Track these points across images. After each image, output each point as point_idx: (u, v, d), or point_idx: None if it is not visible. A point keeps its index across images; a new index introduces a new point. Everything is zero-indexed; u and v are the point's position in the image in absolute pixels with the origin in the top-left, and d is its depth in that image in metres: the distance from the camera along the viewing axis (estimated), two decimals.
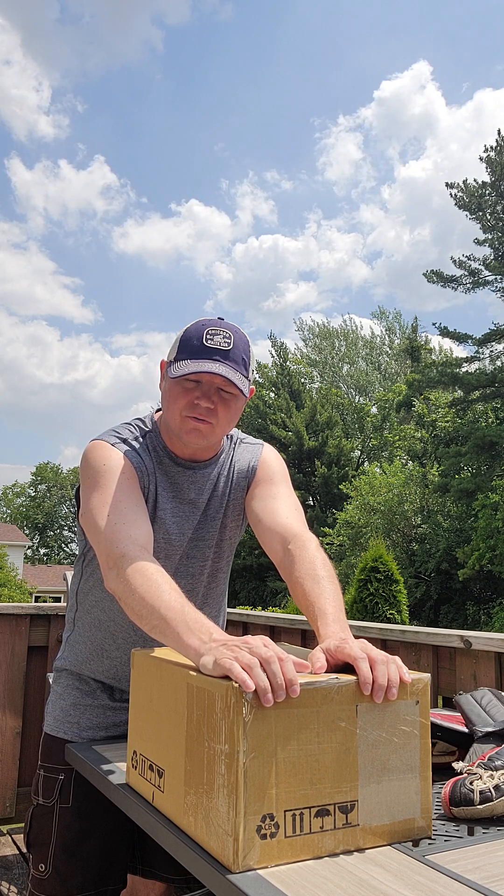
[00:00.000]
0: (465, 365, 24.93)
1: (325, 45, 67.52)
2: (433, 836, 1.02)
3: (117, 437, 1.48)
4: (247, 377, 1.41)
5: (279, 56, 69.45)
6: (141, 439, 1.50)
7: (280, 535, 1.44)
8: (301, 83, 69.73)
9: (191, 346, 1.37)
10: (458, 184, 24.93)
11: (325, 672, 1.05)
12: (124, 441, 1.47)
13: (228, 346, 1.37)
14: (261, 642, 1.00)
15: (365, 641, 1.09)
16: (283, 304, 69.55)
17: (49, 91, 75.60)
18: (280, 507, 1.50)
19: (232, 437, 1.61)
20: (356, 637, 1.11)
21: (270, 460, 1.60)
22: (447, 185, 25.16)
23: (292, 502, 1.53)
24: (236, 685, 0.91)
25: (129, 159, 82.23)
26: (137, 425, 1.53)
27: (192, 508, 1.52)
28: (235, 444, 1.61)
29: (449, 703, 2.18)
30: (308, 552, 1.37)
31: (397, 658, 1.05)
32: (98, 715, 1.55)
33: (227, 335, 1.38)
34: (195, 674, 1.02)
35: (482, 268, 25.21)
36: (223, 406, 1.41)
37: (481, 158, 24.60)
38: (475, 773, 1.13)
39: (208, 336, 1.37)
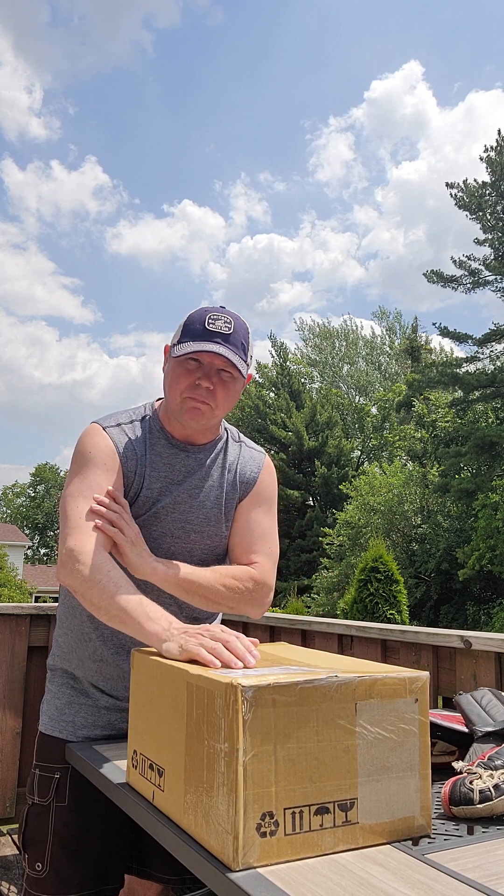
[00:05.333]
0: (465, 365, 24.92)
1: (315, 45, 67.47)
2: (433, 836, 1.02)
3: (114, 420, 1.55)
4: (245, 361, 1.47)
5: (270, 58, 69.54)
6: (139, 422, 1.56)
7: (242, 562, 1.55)
8: (292, 84, 69.79)
9: (194, 329, 1.44)
10: (458, 184, 24.93)
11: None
12: (119, 425, 1.54)
13: (229, 330, 1.44)
14: (219, 629, 1.15)
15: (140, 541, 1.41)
16: (276, 304, 69.66)
17: (41, 93, 75.77)
18: (253, 538, 1.57)
19: (230, 431, 1.64)
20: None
21: (268, 480, 1.65)
22: (447, 184, 25.16)
23: (266, 531, 1.59)
24: (235, 683, 0.91)
25: (121, 160, 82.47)
26: (138, 411, 1.59)
27: (179, 489, 1.54)
28: (237, 441, 1.64)
29: (449, 703, 2.18)
30: (235, 567, 1.52)
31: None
32: (92, 713, 1.55)
33: (229, 321, 1.45)
34: (195, 673, 1.02)
35: (482, 268, 25.20)
36: (222, 387, 1.47)
37: (481, 158, 24.60)
38: (475, 773, 1.13)
39: (210, 320, 1.44)
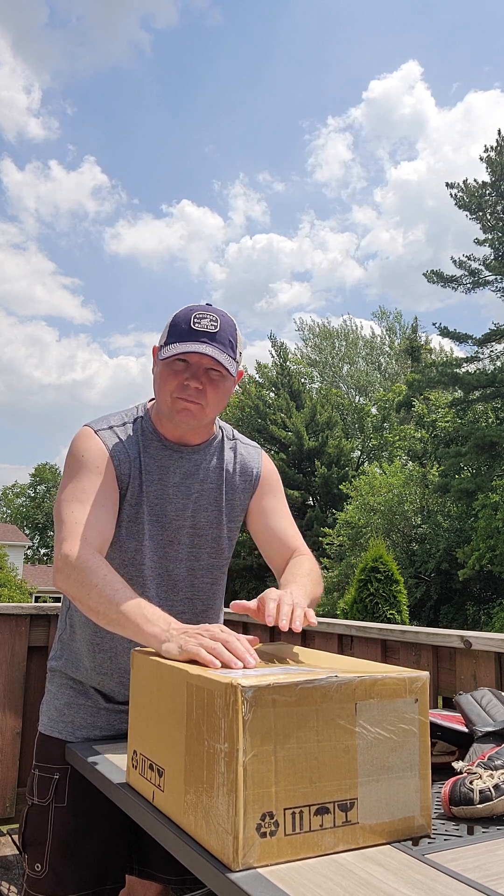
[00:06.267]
0: (465, 365, 24.92)
1: (314, 46, 67.24)
2: (433, 836, 1.02)
3: (106, 423, 1.54)
4: (234, 358, 1.46)
5: (268, 58, 69.41)
6: (131, 424, 1.55)
7: (289, 551, 1.60)
8: (291, 84, 69.64)
9: (179, 329, 1.44)
10: (458, 184, 24.92)
11: (246, 611, 1.26)
12: (111, 428, 1.53)
13: (215, 328, 1.43)
14: (218, 629, 1.14)
15: (289, 593, 1.28)
16: (275, 304, 69.61)
17: (39, 93, 75.79)
18: (289, 528, 1.65)
19: (224, 429, 1.65)
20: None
21: (272, 471, 1.68)
22: (447, 184, 25.15)
23: (291, 518, 1.68)
24: (235, 684, 0.91)
25: (119, 160, 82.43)
26: (130, 412, 1.59)
27: (176, 491, 1.55)
28: (232, 439, 1.65)
29: (449, 703, 2.18)
30: (303, 562, 1.55)
31: (309, 611, 1.27)
32: (92, 714, 1.55)
33: (214, 318, 1.44)
34: (195, 673, 1.02)
35: (482, 268, 25.20)
36: (212, 386, 1.46)
37: (481, 158, 24.60)
38: (475, 773, 1.13)
39: (195, 320, 1.43)
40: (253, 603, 1.27)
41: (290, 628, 1.21)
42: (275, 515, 1.63)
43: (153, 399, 1.59)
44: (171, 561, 1.54)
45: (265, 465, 1.66)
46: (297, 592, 1.36)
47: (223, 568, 1.63)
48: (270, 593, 1.26)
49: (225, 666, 1.07)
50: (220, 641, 1.12)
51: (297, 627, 1.18)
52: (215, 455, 1.59)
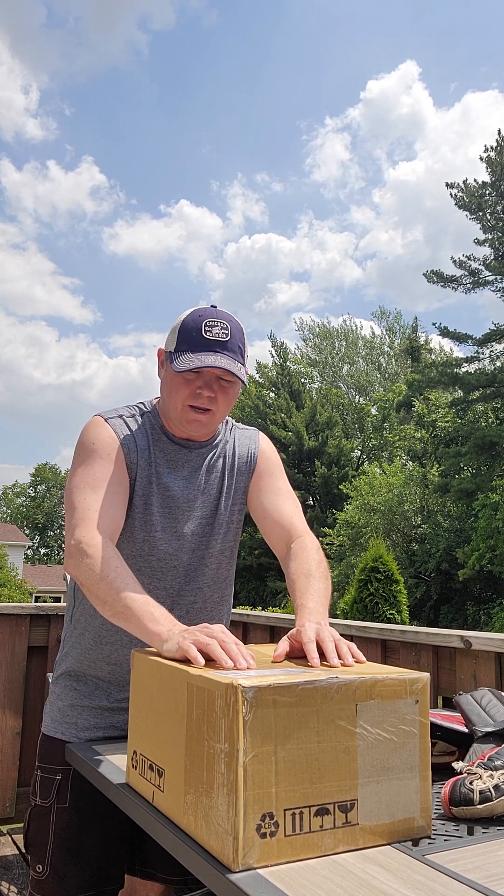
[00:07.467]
0: (465, 365, 24.93)
1: (311, 46, 67.35)
2: (433, 836, 1.02)
3: (116, 413, 1.56)
4: (243, 364, 1.48)
5: (266, 58, 69.53)
6: (140, 417, 1.57)
7: (286, 534, 1.56)
8: (289, 84, 69.79)
9: (191, 338, 1.43)
10: (458, 184, 24.93)
11: (287, 657, 1.17)
12: (121, 417, 1.55)
13: (226, 336, 1.44)
14: (218, 629, 1.14)
15: (322, 626, 1.20)
16: (274, 304, 69.74)
17: (37, 93, 75.91)
18: (284, 504, 1.61)
19: (227, 421, 1.67)
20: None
21: (270, 451, 1.69)
22: (447, 184, 25.16)
23: (293, 498, 1.65)
24: (236, 684, 0.91)
25: (117, 161, 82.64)
26: (138, 406, 1.60)
27: (186, 483, 1.56)
28: (230, 428, 1.67)
29: (449, 703, 2.18)
30: (307, 552, 1.49)
31: (352, 644, 1.17)
32: (95, 716, 1.55)
33: (225, 325, 1.45)
34: (195, 673, 1.02)
35: (482, 268, 25.21)
36: (223, 394, 1.48)
37: (481, 158, 24.61)
38: (475, 773, 1.13)
39: (207, 328, 1.43)
40: (285, 645, 1.20)
41: (344, 664, 1.13)
42: (270, 493, 1.61)
43: (158, 398, 1.61)
44: (181, 551, 1.55)
45: (262, 445, 1.67)
46: (322, 618, 1.28)
47: (232, 556, 1.65)
48: (304, 634, 1.17)
49: (211, 660, 1.07)
50: (217, 641, 1.11)
51: (351, 662, 1.13)
52: (220, 446, 1.62)
